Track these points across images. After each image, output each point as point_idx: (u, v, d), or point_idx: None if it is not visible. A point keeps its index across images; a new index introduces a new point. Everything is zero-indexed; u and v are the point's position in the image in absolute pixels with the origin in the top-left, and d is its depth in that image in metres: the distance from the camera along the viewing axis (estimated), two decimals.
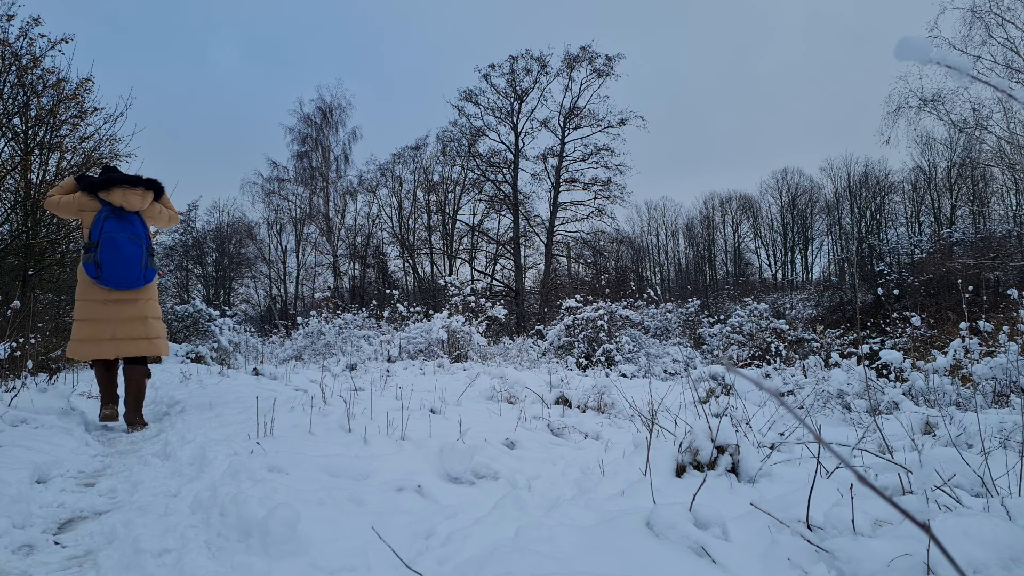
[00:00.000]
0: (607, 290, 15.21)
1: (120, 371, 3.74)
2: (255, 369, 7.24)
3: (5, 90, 9.03)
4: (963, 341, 5.40)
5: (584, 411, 5.23)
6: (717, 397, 5.47)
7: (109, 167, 3.86)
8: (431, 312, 11.70)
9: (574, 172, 29.15)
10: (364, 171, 32.73)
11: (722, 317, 16.81)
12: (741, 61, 58.99)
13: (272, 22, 56.84)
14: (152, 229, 3.88)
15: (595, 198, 29.07)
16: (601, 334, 11.86)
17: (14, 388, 4.73)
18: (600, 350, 11.46)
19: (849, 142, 63.86)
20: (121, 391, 3.78)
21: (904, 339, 9.88)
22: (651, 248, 42.66)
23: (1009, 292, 6.10)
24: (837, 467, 2.36)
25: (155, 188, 3.83)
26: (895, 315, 10.62)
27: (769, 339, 13.60)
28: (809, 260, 39.17)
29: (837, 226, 36.98)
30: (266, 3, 56.17)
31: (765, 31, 58.22)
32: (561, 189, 29.04)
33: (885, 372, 5.82)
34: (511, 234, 29.48)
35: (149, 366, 3.90)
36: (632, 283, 24.73)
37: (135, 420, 3.69)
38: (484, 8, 57.02)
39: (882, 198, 34.80)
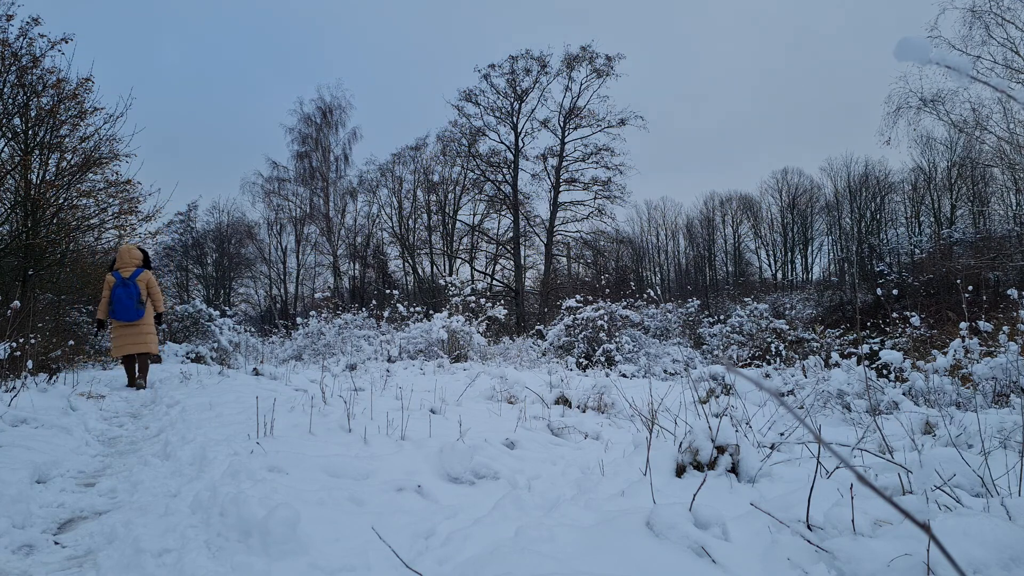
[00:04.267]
0: (607, 290, 15.21)
1: (136, 362, 6.43)
2: (255, 369, 7.24)
3: (5, 90, 9.03)
4: (963, 341, 5.39)
5: (584, 411, 5.23)
6: (717, 397, 5.47)
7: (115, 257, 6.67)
8: (431, 312, 11.70)
9: (574, 172, 29.15)
10: (364, 171, 32.75)
11: (722, 317, 16.80)
12: (743, 60, 59.02)
13: (271, 21, 56.83)
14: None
15: (595, 198, 29.06)
16: (601, 334, 11.86)
17: (14, 388, 4.73)
18: (600, 350, 11.45)
19: (849, 142, 63.90)
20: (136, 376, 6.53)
21: (904, 339, 9.88)
22: (651, 248, 42.66)
23: (1009, 292, 6.09)
24: (837, 467, 2.36)
25: (145, 259, 6.57)
26: (895, 315, 10.61)
27: (769, 339, 13.60)
28: (809, 260, 39.19)
29: (837, 226, 36.98)
30: (265, 3, 56.16)
31: (767, 31, 58.23)
32: (561, 189, 29.02)
33: (885, 372, 5.82)
34: (511, 234, 29.46)
35: (150, 364, 6.65)
36: (632, 283, 24.72)
37: (143, 382, 6.34)
38: (484, 8, 57.02)
39: (882, 198, 34.80)
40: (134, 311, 6.20)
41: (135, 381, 6.32)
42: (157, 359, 6.57)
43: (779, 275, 39.04)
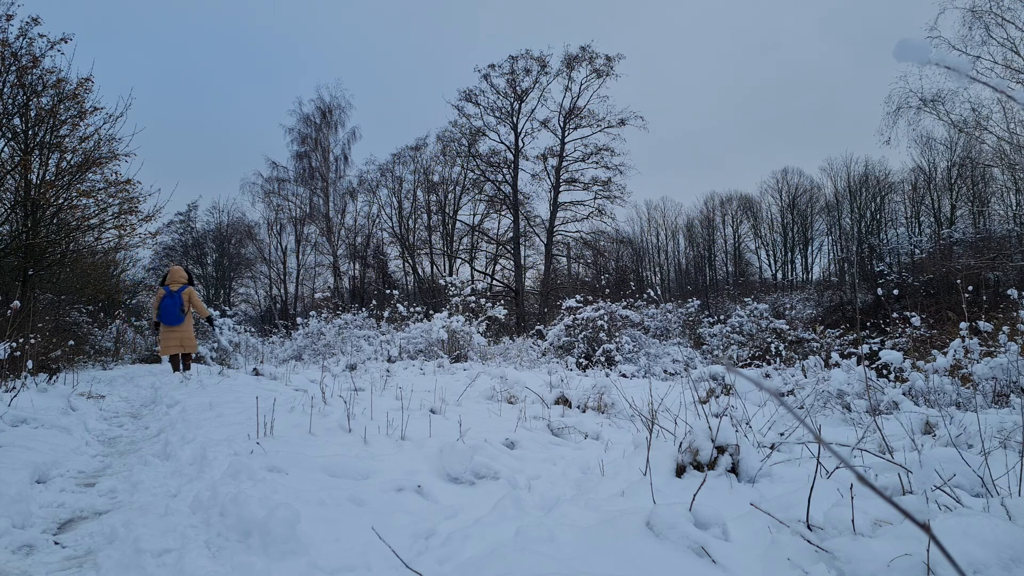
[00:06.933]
0: (607, 290, 15.20)
1: (180, 358, 8.03)
2: (255, 369, 7.24)
3: (5, 90, 9.02)
4: (963, 341, 5.39)
5: (584, 411, 5.23)
6: (717, 397, 5.47)
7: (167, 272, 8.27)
8: (431, 312, 11.69)
9: (574, 172, 29.11)
10: (364, 171, 32.72)
11: (722, 317, 16.79)
12: (744, 60, 59.01)
13: (272, 21, 56.85)
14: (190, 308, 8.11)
15: (595, 198, 29.02)
16: (601, 334, 11.86)
17: (14, 388, 4.73)
18: (600, 350, 11.45)
19: (849, 142, 63.83)
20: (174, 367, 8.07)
21: (904, 339, 9.88)
22: (651, 248, 42.64)
23: (1009, 292, 6.09)
24: (837, 467, 2.36)
25: (189, 278, 8.25)
26: (895, 315, 10.62)
27: (769, 339, 13.60)
28: (809, 260, 39.17)
29: (837, 226, 36.97)
30: (266, 3, 56.20)
31: (768, 31, 58.21)
32: (561, 189, 28.99)
33: (885, 372, 5.81)
34: (511, 234, 29.43)
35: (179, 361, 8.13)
36: (632, 283, 24.71)
37: (188, 372, 7.49)
38: (484, 7, 57.03)
39: (882, 198, 34.79)
40: (176, 317, 7.93)
41: (179, 369, 7.88)
42: (189, 357, 8.04)
43: (779, 275, 39.04)
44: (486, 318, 11.78)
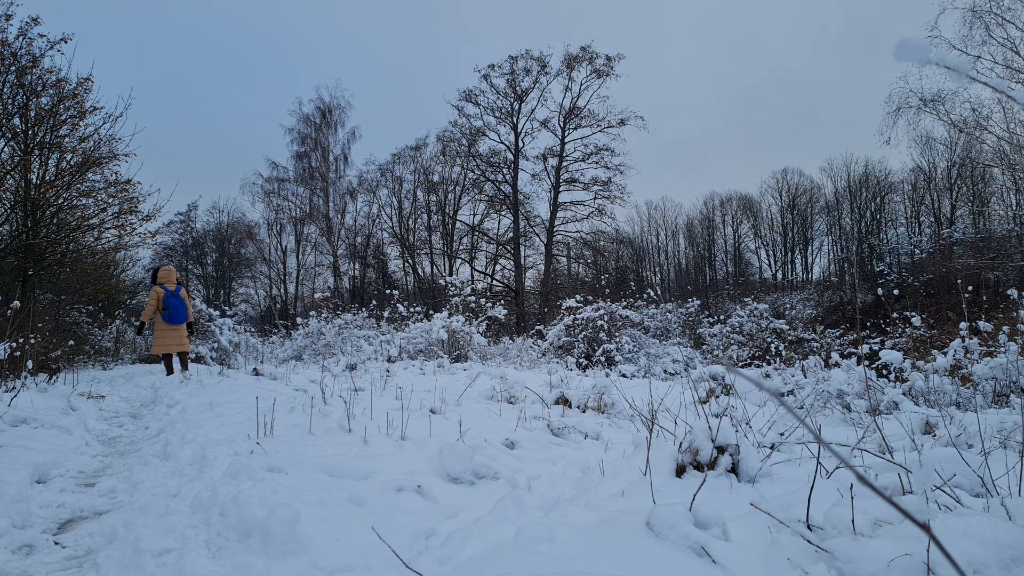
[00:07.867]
0: (607, 290, 15.20)
1: (176, 357, 7.90)
2: (255, 369, 7.24)
3: (5, 90, 9.02)
4: (963, 341, 5.39)
5: (584, 411, 5.23)
6: (717, 397, 5.47)
7: (158, 269, 8.02)
8: (431, 312, 11.69)
9: (574, 172, 29.12)
10: (364, 171, 32.74)
11: (722, 317, 16.79)
12: (743, 60, 59.01)
13: (272, 21, 56.84)
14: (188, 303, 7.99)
15: (595, 198, 29.03)
16: (601, 334, 11.85)
17: (14, 388, 4.73)
18: (600, 350, 11.45)
19: (849, 142, 63.79)
20: (176, 367, 8.05)
21: (904, 339, 9.88)
22: (651, 248, 42.64)
23: (1009, 292, 6.09)
24: (837, 467, 2.36)
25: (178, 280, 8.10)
26: (895, 315, 10.62)
27: (769, 339, 13.60)
28: (809, 260, 39.17)
29: (837, 226, 36.97)
30: (266, 2, 56.16)
31: (767, 32, 58.20)
32: (561, 189, 28.99)
33: (885, 372, 5.81)
34: (511, 234, 29.42)
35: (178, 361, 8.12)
36: (632, 283, 24.72)
37: (187, 372, 7.34)
38: (484, 8, 57.02)
39: (882, 198, 34.79)
40: (184, 316, 7.83)
41: (172, 371, 7.78)
42: (186, 356, 7.92)
43: (779, 275, 39.04)
44: (486, 318, 11.78)
